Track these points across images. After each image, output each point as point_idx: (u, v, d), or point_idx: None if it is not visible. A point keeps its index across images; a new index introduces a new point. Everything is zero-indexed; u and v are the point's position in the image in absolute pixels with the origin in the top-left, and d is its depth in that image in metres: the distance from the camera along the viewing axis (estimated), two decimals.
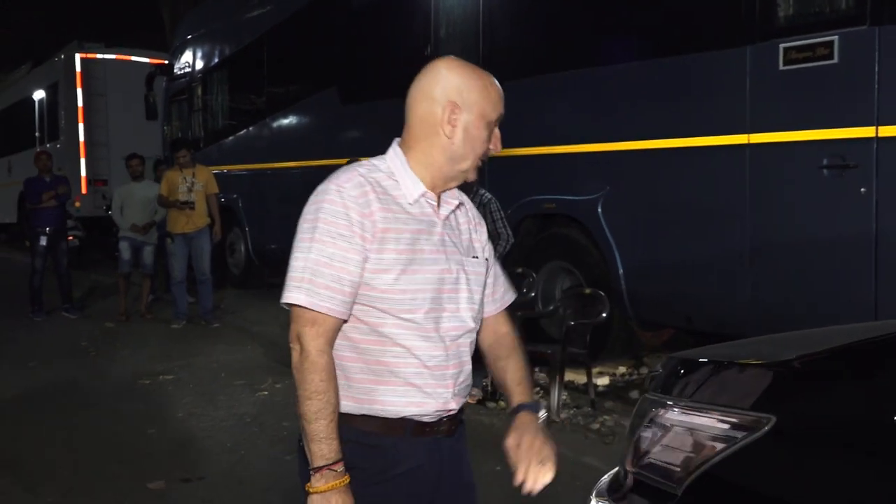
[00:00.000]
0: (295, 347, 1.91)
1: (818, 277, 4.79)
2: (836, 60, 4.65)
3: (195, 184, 8.64)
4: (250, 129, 10.72)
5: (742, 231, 5.13)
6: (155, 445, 5.09)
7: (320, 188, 2.03)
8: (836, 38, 4.63)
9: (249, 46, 10.56)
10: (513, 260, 6.81)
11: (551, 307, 6.31)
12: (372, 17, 8.38)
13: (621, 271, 5.87)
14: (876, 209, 4.52)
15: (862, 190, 4.56)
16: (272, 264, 10.51)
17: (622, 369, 6.58)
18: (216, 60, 11.57)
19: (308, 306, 1.88)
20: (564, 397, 5.77)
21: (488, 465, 3.91)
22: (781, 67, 4.90)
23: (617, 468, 2.12)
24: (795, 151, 4.84)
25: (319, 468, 1.83)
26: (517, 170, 6.61)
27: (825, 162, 4.70)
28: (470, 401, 6.20)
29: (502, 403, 6.02)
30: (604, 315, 5.75)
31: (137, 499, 4.30)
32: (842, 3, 4.66)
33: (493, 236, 6.06)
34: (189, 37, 12.29)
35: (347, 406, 1.92)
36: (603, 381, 6.32)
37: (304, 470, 1.90)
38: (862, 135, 4.56)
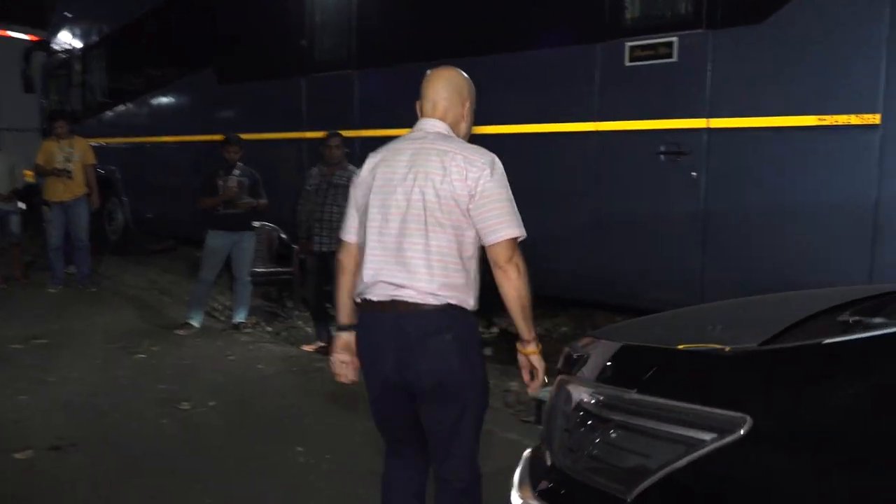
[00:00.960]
0: (516, 265, 2.28)
1: (654, 252, 4.66)
2: (675, 59, 4.50)
3: (72, 154, 7.66)
4: (129, 104, 9.66)
5: (588, 209, 4.93)
6: (24, 412, 4.32)
7: (492, 155, 2.36)
8: (675, 39, 4.47)
9: (129, 25, 9.47)
10: None
11: None
12: (248, 1, 7.68)
13: None
14: (705, 191, 4.43)
15: (693, 174, 4.45)
16: (149, 231, 9.65)
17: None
18: (96, 38, 10.36)
19: (521, 236, 2.31)
20: None
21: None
22: (627, 64, 4.71)
23: (532, 450, 1.70)
24: (637, 139, 4.67)
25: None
26: None
27: (662, 149, 4.55)
28: (307, 348, 5.73)
29: None
30: None
31: (2, 469, 3.62)
32: (682, 7, 4.50)
33: None
34: (68, 14, 10.97)
35: None
36: None
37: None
38: (695, 125, 4.43)
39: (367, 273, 2.35)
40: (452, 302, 2.28)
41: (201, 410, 4.43)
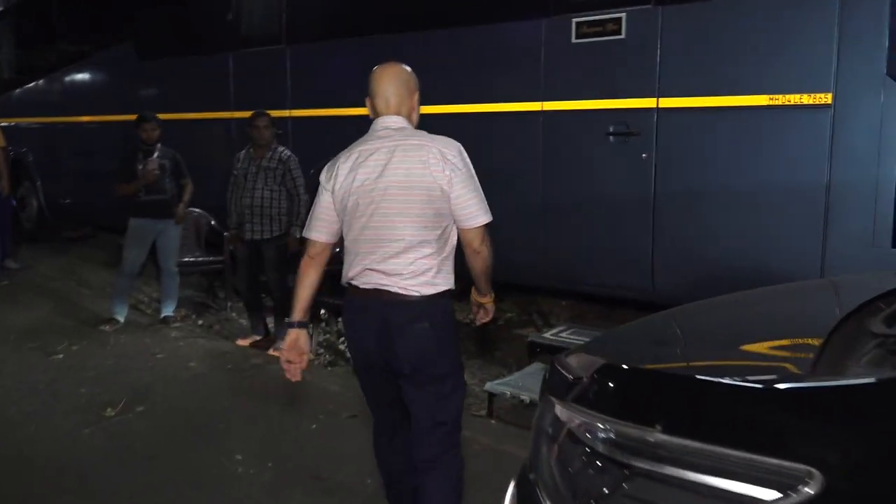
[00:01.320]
0: (488, 245, 2.51)
1: (603, 235, 4.46)
2: (623, 36, 4.27)
3: None
4: (41, 82, 8.89)
5: (535, 192, 4.67)
6: None
7: (458, 144, 2.50)
8: (624, 14, 4.23)
9: None
10: None
11: None
12: None
13: None
14: (655, 172, 4.23)
15: (643, 155, 4.24)
16: (66, 218, 8.93)
17: None
18: (2, 10, 9.52)
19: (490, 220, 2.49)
20: None
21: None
22: (574, 41, 4.45)
23: (517, 480, 1.38)
24: (585, 119, 4.43)
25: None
26: (322, 130, 5.79)
27: (611, 129, 4.32)
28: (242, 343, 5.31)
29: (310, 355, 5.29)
30: None
31: None
32: None
33: (293, 195, 5.21)
34: None
35: None
36: None
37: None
38: (644, 105, 4.22)
39: (355, 264, 2.50)
40: (431, 292, 2.45)
41: (127, 417, 4.00)
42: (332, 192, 2.51)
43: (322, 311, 5.37)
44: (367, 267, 2.44)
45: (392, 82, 2.56)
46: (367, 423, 3.72)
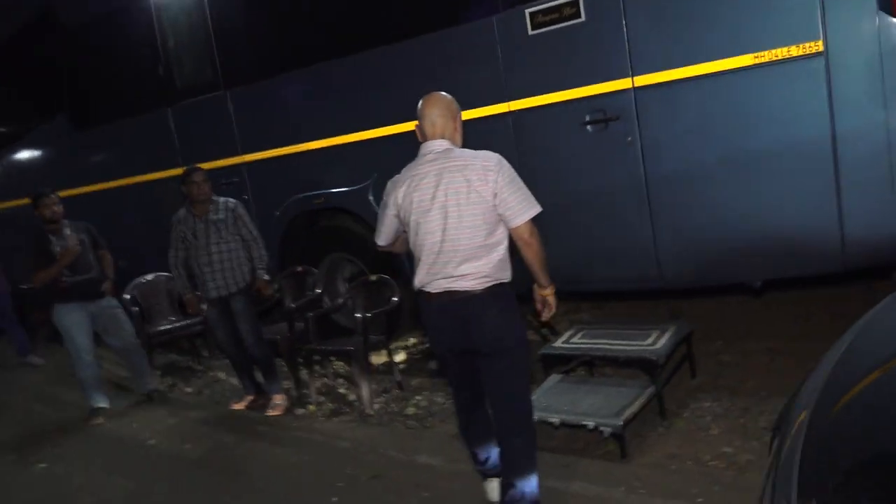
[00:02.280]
0: (537, 237, 2.66)
1: (600, 230, 3.97)
2: (583, 18, 3.79)
3: None
4: None
5: None
6: None
7: (496, 155, 2.69)
8: None
9: None
10: (291, 259, 5.43)
11: (340, 300, 5.04)
12: (92, 38, 6.34)
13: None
14: (642, 155, 3.76)
15: (628, 139, 3.77)
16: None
17: (412, 340, 5.50)
18: None
19: (538, 211, 2.66)
20: (374, 387, 4.59)
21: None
22: (531, 32, 3.96)
23: None
24: (558, 112, 3.94)
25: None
26: (280, 171, 5.21)
27: (588, 118, 3.84)
28: (274, 412, 4.64)
29: (312, 407, 4.73)
30: (395, 300, 4.63)
31: None
32: None
33: (249, 240, 4.62)
34: None
35: None
36: (400, 358, 5.21)
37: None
38: (619, 87, 3.74)
39: (423, 273, 2.72)
40: (494, 283, 2.67)
41: None
42: (397, 208, 2.75)
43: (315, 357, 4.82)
44: (436, 276, 2.68)
45: (436, 107, 2.78)
46: (392, 485, 3.21)
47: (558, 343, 3.98)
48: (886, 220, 3.25)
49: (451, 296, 2.66)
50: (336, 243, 5.23)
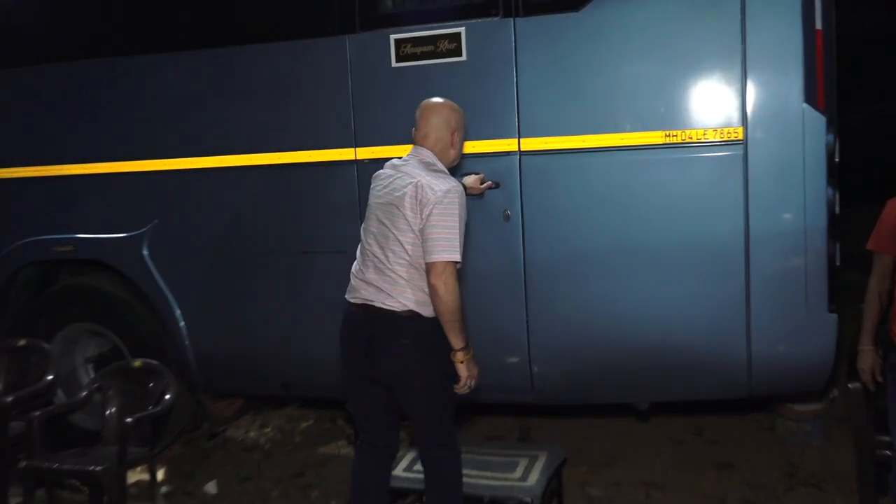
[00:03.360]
0: (444, 283, 2.33)
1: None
2: (464, 58, 2.98)
3: None
4: None
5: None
6: None
7: (453, 188, 2.40)
8: (463, 29, 2.96)
9: None
10: (7, 327, 3.83)
11: (83, 393, 3.54)
12: None
13: (185, 331, 3.47)
14: (523, 234, 2.98)
15: (506, 212, 3.00)
16: None
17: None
18: None
19: (453, 261, 2.36)
20: None
21: None
22: (395, 64, 3.08)
23: None
24: None
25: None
26: (7, 199, 3.69)
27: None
28: None
29: None
30: (168, 397, 3.31)
31: None
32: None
33: None
34: None
35: None
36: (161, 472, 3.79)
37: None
38: (502, 148, 2.96)
39: (351, 281, 2.53)
40: (414, 309, 2.40)
41: None
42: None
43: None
44: (359, 286, 2.52)
45: (433, 117, 2.53)
46: None
47: (398, 471, 2.98)
48: (800, 341, 2.83)
49: (368, 310, 2.45)
50: (81, 309, 3.73)
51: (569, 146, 2.94)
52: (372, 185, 2.56)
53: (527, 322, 3.04)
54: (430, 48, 3.04)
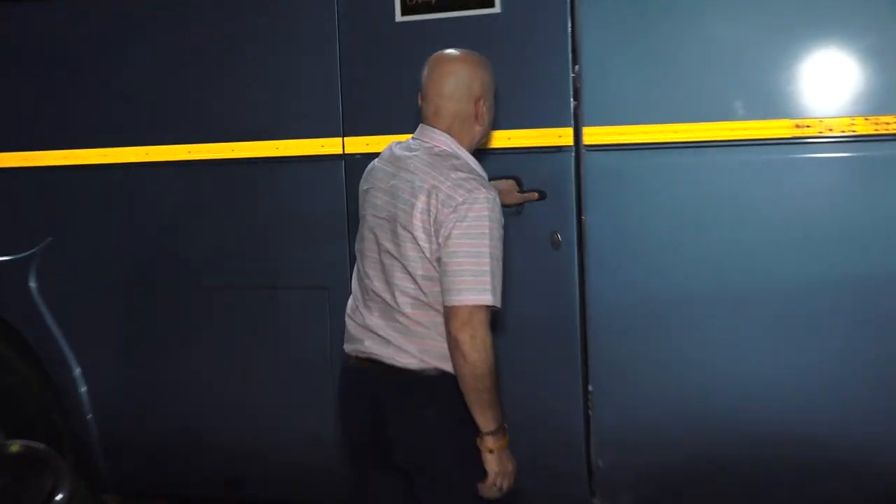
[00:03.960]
0: (471, 335, 1.62)
1: None
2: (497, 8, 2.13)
3: None
4: None
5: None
6: None
7: (482, 196, 1.63)
8: None
9: None
10: None
11: None
12: None
13: (88, 401, 2.46)
14: None
15: None
16: None
17: None
18: None
19: (488, 304, 1.63)
20: None
21: None
22: (399, 18, 2.18)
23: None
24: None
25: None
26: None
27: None
28: None
29: None
30: (60, 498, 2.31)
31: None
32: None
33: None
34: None
35: None
36: None
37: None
38: None
39: (348, 326, 1.83)
40: (437, 365, 1.69)
41: None
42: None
43: None
44: (358, 330, 1.83)
45: (445, 82, 1.70)
46: None
47: None
48: None
49: (373, 367, 1.74)
50: None
51: (653, 139, 2.04)
52: (363, 187, 1.82)
53: (586, 394, 2.13)
54: None
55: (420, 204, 1.62)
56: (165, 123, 2.37)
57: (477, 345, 1.60)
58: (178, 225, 2.37)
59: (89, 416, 2.44)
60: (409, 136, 1.76)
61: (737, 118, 1.99)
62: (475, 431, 1.66)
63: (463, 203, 1.60)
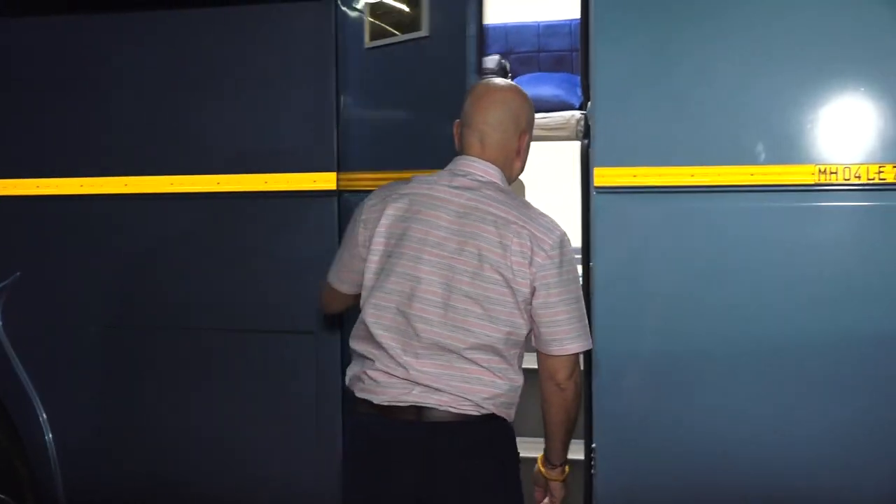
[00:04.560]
0: (576, 383, 1.66)
1: None
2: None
3: None
4: None
5: None
6: None
7: (564, 237, 1.62)
8: None
9: None
10: None
11: None
12: None
13: (54, 451, 2.28)
14: None
15: None
16: None
17: None
18: None
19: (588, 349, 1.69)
20: None
21: None
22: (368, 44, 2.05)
23: None
24: None
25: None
26: None
27: None
28: None
29: None
30: None
31: None
32: None
33: None
34: None
35: None
36: None
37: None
38: None
39: (368, 375, 1.61)
40: (496, 413, 1.61)
41: None
42: (360, 223, 1.71)
43: None
44: (399, 373, 1.64)
45: (496, 110, 1.65)
46: None
47: None
48: None
49: (419, 416, 1.56)
50: None
51: (662, 182, 1.91)
52: (383, 221, 1.61)
53: (588, 451, 1.98)
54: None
55: (514, 246, 1.55)
56: (146, 153, 2.22)
57: (578, 389, 1.66)
58: (157, 262, 2.20)
59: (54, 465, 2.26)
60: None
61: (757, 162, 1.88)
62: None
63: (553, 248, 1.58)
